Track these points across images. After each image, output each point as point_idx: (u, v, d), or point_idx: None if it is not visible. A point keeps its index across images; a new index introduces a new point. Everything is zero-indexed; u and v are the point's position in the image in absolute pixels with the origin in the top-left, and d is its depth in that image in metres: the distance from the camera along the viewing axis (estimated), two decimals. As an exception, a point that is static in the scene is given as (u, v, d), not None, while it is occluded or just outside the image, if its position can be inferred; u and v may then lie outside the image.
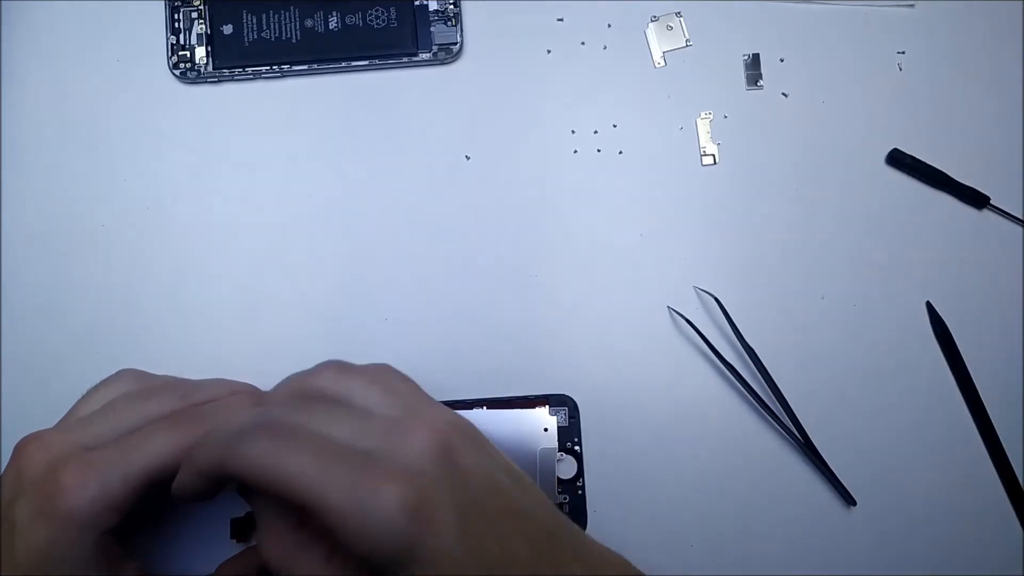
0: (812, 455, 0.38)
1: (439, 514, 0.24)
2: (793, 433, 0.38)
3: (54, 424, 0.31)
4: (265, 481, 0.24)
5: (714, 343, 0.38)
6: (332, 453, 0.24)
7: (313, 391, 0.29)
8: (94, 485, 0.28)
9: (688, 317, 0.39)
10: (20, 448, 0.29)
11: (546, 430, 0.38)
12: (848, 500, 0.38)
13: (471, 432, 0.27)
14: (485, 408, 0.38)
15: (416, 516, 0.23)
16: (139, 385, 0.32)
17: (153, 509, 0.36)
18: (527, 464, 0.37)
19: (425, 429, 0.25)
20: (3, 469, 0.30)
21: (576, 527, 0.28)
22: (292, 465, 0.24)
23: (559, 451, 0.38)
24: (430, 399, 0.29)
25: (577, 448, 0.38)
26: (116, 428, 0.30)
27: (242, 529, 0.37)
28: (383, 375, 0.30)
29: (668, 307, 0.39)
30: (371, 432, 0.25)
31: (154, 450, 0.29)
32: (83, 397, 0.32)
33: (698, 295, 0.40)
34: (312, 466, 0.24)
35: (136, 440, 0.30)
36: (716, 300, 0.39)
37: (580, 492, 0.38)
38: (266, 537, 0.27)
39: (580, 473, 0.38)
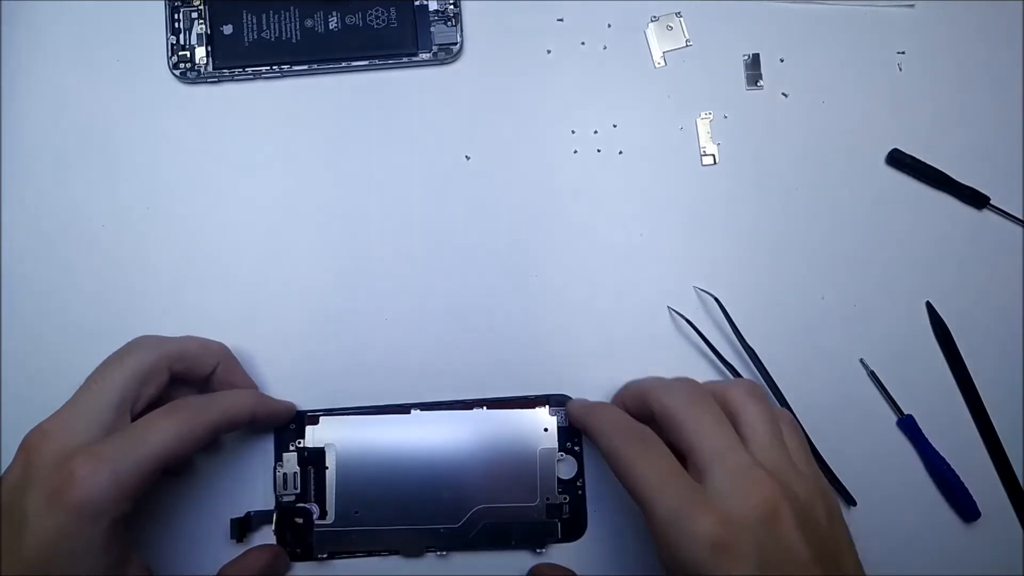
0: (812, 454, 0.38)
1: (739, 562, 0.26)
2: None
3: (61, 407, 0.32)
4: (620, 470, 0.30)
5: (714, 343, 0.38)
6: (676, 474, 0.29)
7: (708, 399, 0.32)
8: (105, 474, 0.28)
9: (688, 317, 0.39)
10: (28, 441, 0.30)
11: (546, 430, 0.38)
12: (848, 500, 0.38)
13: (815, 514, 0.29)
14: (485, 408, 0.38)
15: (717, 552, 0.26)
16: (149, 365, 0.33)
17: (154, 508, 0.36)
18: (527, 464, 0.38)
19: (769, 489, 0.28)
20: (7, 465, 0.30)
21: None
22: (643, 468, 0.29)
23: (560, 451, 0.38)
24: (809, 463, 0.31)
25: (577, 448, 0.38)
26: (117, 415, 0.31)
27: (242, 529, 0.37)
28: (784, 419, 0.32)
29: (668, 307, 0.39)
30: (727, 463, 0.29)
31: (161, 436, 0.30)
32: (101, 368, 0.32)
33: (698, 295, 0.40)
34: (655, 475, 0.29)
35: (143, 428, 0.30)
36: (716, 300, 0.39)
37: (580, 492, 0.38)
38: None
39: (580, 473, 0.38)
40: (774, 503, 0.27)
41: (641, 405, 0.33)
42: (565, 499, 0.38)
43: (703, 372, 0.39)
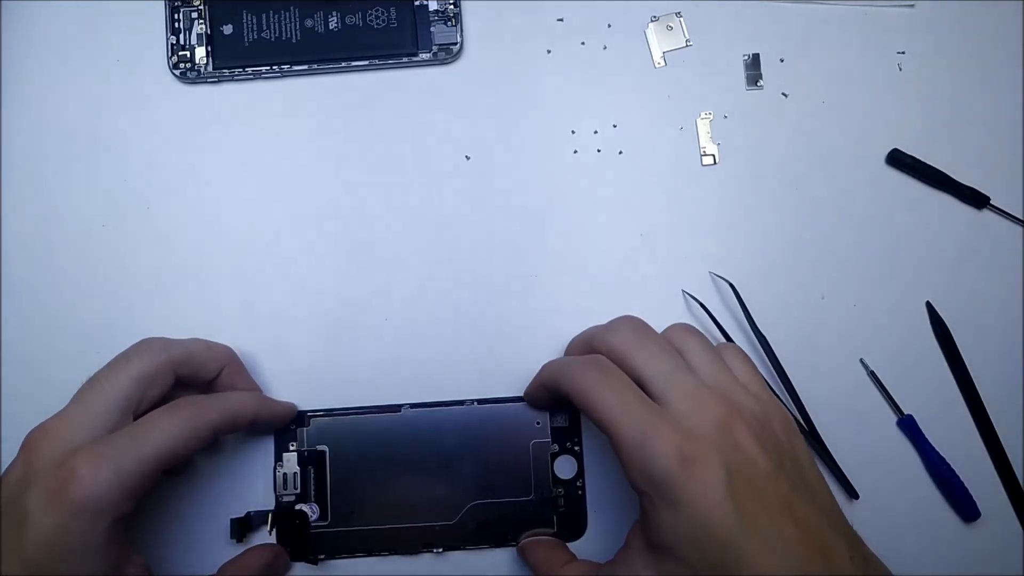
0: (818, 445, 0.38)
1: (708, 471, 0.27)
2: (800, 423, 0.38)
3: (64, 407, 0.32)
4: (582, 403, 0.31)
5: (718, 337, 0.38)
6: (637, 399, 0.30)
7: (650, 332, 0.33)
8: (107, 473, 0.29)
9: (695, 308, 0.39)
10: (30, 440, 0.30)
11: (538, 423, 0.38)
12: (851, 493, 0.38)
13: (771, 427, 0.30)
14: (476, 404, 0.38)
15: (685, 465, 0.27)
16: (154, 369, 0.33)
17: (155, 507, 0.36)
18: (520, 458, 0.38)
19: (721, 406, 0.29)
20: (7, 464, 0.31)
21: (860, 541, 0.30)
22: (604, 398, 0.30)
23: (560, 452, 0.38)
24: (759, 384, 0.32)
25: (577, 448, 0.38)
26: (120, 415, 0.31)
27: (242, 529, 0.37)
28: (728, 350, 0.34)
29: (683, 291, 0.39)
30: (680, 387, 0.30)
31: (163, 436, 0.30)
32: (106, 369, 0.33)
33: (713, 280, 0.40)
34: (617, 401, 0.30)
35: (145, 427, 0.30)
36: (731, 286, 0.39)
37: (580, 492, 0.38)
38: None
39: (580, 473, 0.38)
40: (728, 419, 0.29)
41: (589, 351, 0.34)
42: (560, 492, 0.38)
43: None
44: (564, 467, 0.38)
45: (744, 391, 0.31)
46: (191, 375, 0.35)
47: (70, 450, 0.29)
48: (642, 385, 0.31)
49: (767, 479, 0.28)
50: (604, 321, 0.39)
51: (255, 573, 0.35)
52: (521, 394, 0.38)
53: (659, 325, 0.40)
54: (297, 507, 0.37)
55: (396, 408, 0.38)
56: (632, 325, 0.34)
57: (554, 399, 0.35)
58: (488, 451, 0.38)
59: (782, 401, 0.38)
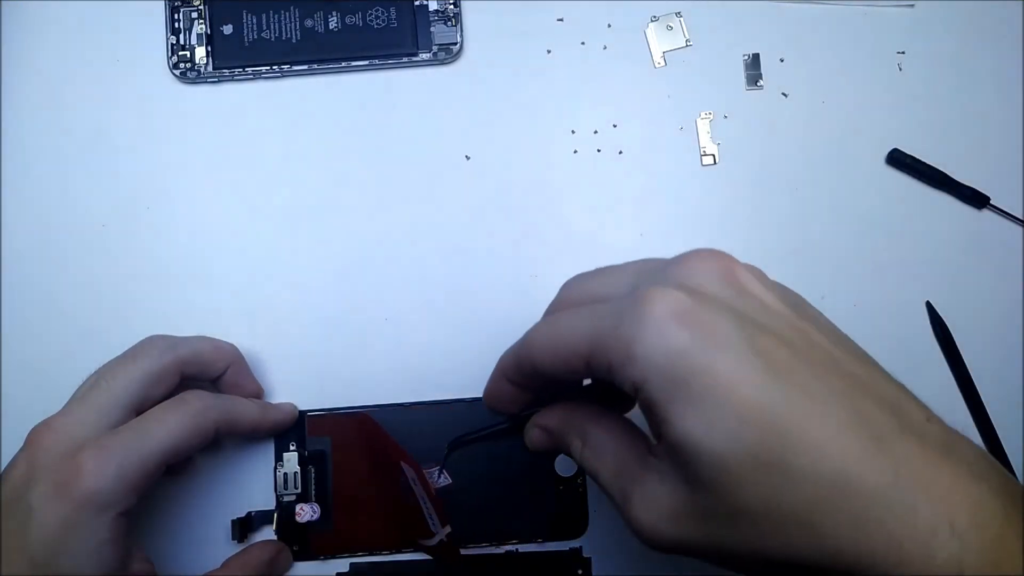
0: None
1: (720, 325, 0.20)
2: None
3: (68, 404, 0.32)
4: (550, 352, 0.24)
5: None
6: (600, 305, 0.23)
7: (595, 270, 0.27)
8: (112, 467, 0.29)
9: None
10: (34, 436, 0.30)
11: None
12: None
13: (790, 294, 0.24)
14: (477, 402, 0.38)
15: (687, 321, 0.20)
16: (161, 368, 0.33)
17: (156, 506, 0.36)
18: (520, 456, 0.38)
19: (707, 255, 0.23)
20: (8, 461, 0.31)
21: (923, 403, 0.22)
22: (566, 325, 0.23)
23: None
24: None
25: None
26: (123, 410, 0.31)
27: (243, 529, 0.37)
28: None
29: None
30: (646, 272, 0.24)
31: (167, 432, 0.31)
32: (111, 366, 0.33)
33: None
34: (581, 320, 0.23)
35: (150, 423, 0.31)
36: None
37: (581, 491, 0.38)
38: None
39: (581, 471, 0.38)
40: (726, 265, 0.23)
41: (528, 372, 0.26)
42: (562, 488, 0.38)
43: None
44: (564, 465, 0.38)
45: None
46: (196, 374, 0.35)
47: (75, 446, 0.29)
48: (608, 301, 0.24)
49: (793, 329, 0.22)
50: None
51: (258, 569, 0.35)
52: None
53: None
54: (298, 507, 0.37)
55: (398, 407, 0.38)
56: (570, 281, 0.27)
57: (519, 395, 0.27)
58: (490, 449, 0.38)
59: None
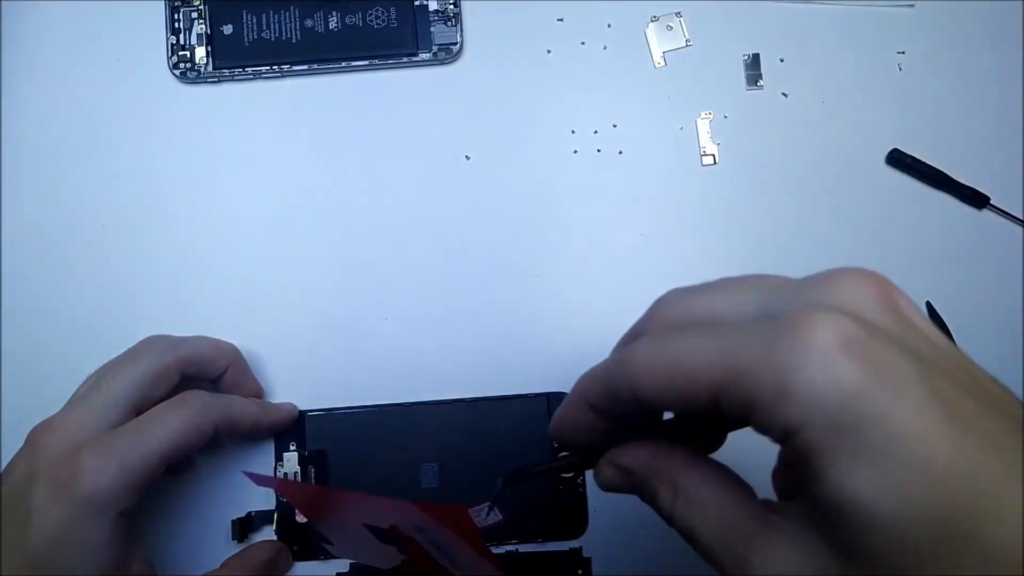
0: None
1: (891, 361, 0.17)
2: None
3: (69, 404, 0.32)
4: (665, 381, 0.19)
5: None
6: (733, 326, 0.19)
7: (706, 283, 0.22)
8: (112, 467, 0.29)
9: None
10: (34, 436, 0.30)
11: (540, 421, 0.38)
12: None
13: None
14: (477, 402, 0.38)
15: (860, 355, 0.17)
16: (161, 368, 0.33)
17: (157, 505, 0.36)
18: (522, 455, 0.38)
19: (862, 275, 0.20)
20: (9, 460, 0.31)
21: None
22: (688, 351, 0.19)
23: (557, 444, 0.38)
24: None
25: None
26: (123, 410, 0.31)
27: (243, 529, 0.37)
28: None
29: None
30: (776, 290, 0.20)
31: (167, 432, 0.31)
32: (112, 366, 0.32)
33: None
34: (712, 346, 0.19)
35: (150, 423, 0.31)
36: None
37: (581, 490, 0.38)
38: None
39: (581, 471, 0.38)
40: (886, 285, 0.20)
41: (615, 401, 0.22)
42: (561, 488, 0.38)
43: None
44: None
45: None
46: (197, 374, 0.35)
47: (75, 446, 0.29)
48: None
49: (961, 369, 0.18)
50: (602, 319, 0.40)
51: (258, 569, 0.35)
52: (521, 392, 0.38)
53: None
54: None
55: (405, 408, 0.38)
56: (677, 291, 0.23)
57: (597, 424, 0.23)
58: (490, 449, 0.38)
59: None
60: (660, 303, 0.23)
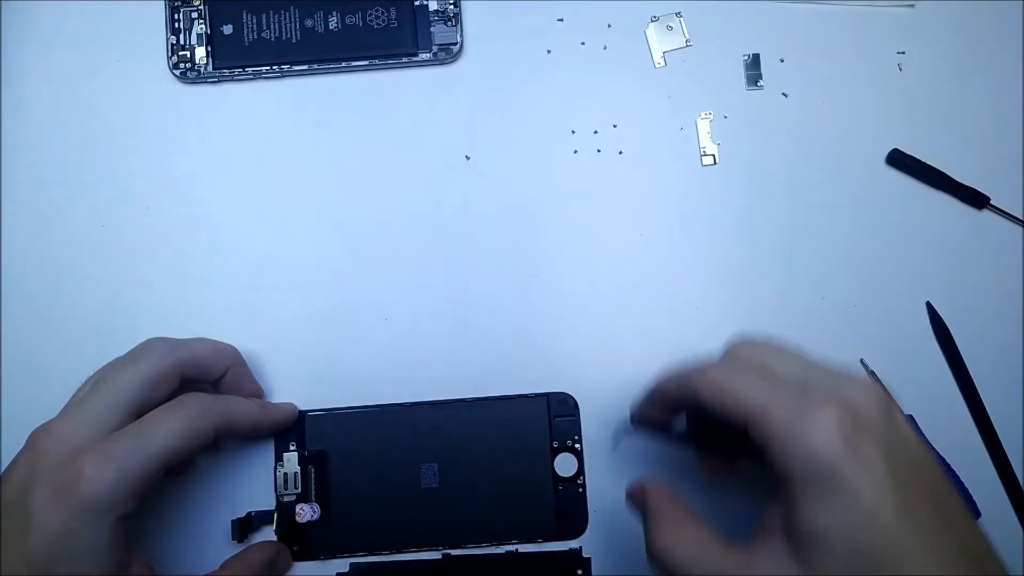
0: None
1: (870, 449, 0.25)
2: None
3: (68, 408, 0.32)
4: (719, 398, 0.28)
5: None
6: (777, 382, 0.28)
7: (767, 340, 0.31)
8: (112, 471, 0.29)
9: (696, 313, 0.39)
10: (33, 440, 0.30)
11: (539, 422, 0.38)
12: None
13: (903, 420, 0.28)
14: (477, 402, 0.38)
15: (847, 441, 0.25)
16: (161, 371, 0.33)
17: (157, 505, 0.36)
18: (522, 455, 0.38)
19: (868, 384, 0.27)
20: (8, 464, 0.31)
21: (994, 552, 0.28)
22: (741, 386, 0.28)
23: (556, 444, 0.38)
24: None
25: (577, 446, 0.38)
26: (123, 413, 0.31)
27: (243, 529, 0.37)
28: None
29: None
30: (816, 371, 0.28)
31: (167, 435, 0.31)
32: (111, 369, 0.32)
33: (713, 281, 0.39)
34: (758, 389, 0.27)
35: (149, 426, 0.30)
36: None
37: (581, 490, 0.38)
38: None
39: (581, 471, 0.38)
40: (884, 397, 0.26)
41: (684, 397, 0.31)
42: (561, 488, 0.38)
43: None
44: (564, 465, 0.38)
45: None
46: (197, 376, 0.35)
47: (75, 450, 0.29)
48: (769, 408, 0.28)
49: (923, 470, 0.26)
50: (602, 319, 0.40)
51: (257, 569, 0.35)
52: (521, 392, 0.38)
53: (661, 324, 0.40)
54: (298, 507, 0.37)
55: (405, 408, 0.38)
56: (749, 338, 0.31)
57: (665, 416, 0.34)
58: (490, 449, 0.38)
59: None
60: (736, 344, 0.31)
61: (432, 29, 0.41)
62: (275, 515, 0.37)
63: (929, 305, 0.40)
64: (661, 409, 0.34)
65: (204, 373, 0.35)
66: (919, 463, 0.26)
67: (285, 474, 0.37)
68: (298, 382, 0.39)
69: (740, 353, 0.30)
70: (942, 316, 0.39)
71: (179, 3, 0.41)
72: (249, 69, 0.40)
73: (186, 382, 0.34)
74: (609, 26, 0.42)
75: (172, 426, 0.31)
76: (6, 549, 0.28)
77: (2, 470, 0.34)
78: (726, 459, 0.34)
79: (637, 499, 0.32)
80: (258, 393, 0.38)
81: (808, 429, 0.25)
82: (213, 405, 0.33)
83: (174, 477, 0.37)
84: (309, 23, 0.40)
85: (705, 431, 0.32)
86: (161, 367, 0.32)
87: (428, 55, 0.41)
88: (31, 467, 0.29)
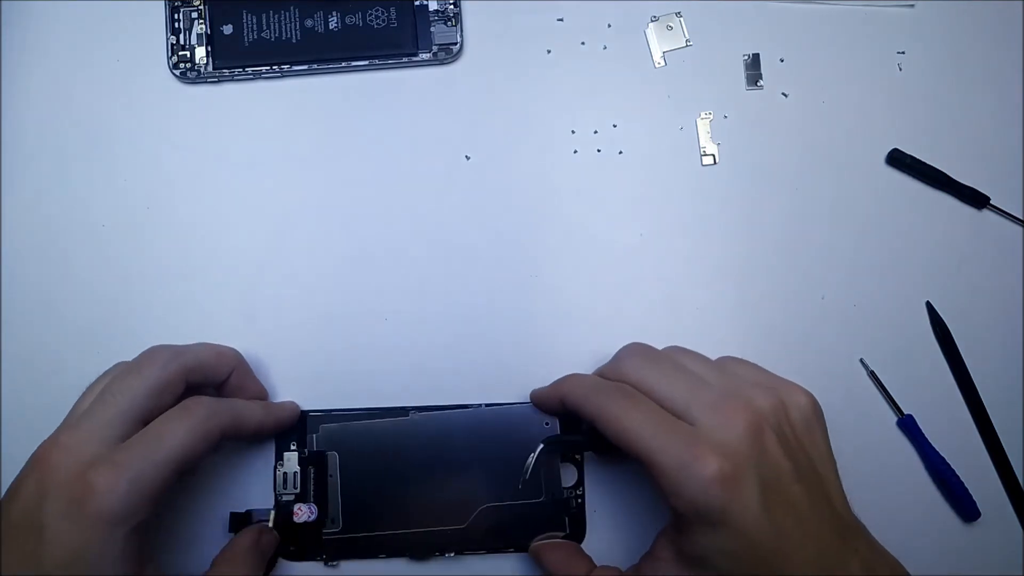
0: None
1: (746, 489, 0.28)
2: None
3: (66, 417, 0.32)
4: (611, 429, 0.31)
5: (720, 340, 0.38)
6: (667, 422, 0.30)
7: (659, 354, 0.35)
8: (124, 483, 0.28)
9: (696, 313, 0.39)
10: (41, 455, 0.30)
11: (547, 424, 0.38)
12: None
13: (790, 417, 0.31)
14: (484, 406, 0.38)
15: (727, 486, 0.28)
16: (166, 379, 0.32)
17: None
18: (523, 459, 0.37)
19: (747, 411, 0.30)
20: (9, 469, 0.30)
21: (862, 526, 0.32)
22: (636, 425, 0.30)
23: (561, 461, 0.38)
24: (759, 371, 0.34)
25: (578, 456, 0.38)
26: (130, 420, 0.31)
27: (240, 524, 0.37)
28: (726, 358, 0.35)
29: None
30: (701, 400, 0.31)
31: (177, 441, 0.30)
32: (117, 379, 0.32)
33: (714, 281, 0.39)
34: (649, 428, 0.30)
35: (158, 433, 0.30)
36: None
37: (580, 500, 0.38)
38: None
39: (580, 481, 0.38)
40: (756, 425, 0.29)
41: (574, 410, 0.35)
42: (574, 493, 0.37)
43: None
44: (564, 476, 0.38)
45: (758, 389, 0.31)
46: (201, 381, 0.34)
47: (85, 462, 0.29)
48: (662, 405, 0.31)
49: (790, 483, 0.29)
50: (601, 318, 0.40)
51: (245, 557, 0.35)
52: (518, 390, 0.38)
53: (662, 324, 0.40)
54: (295, 506, 0.37)
55: (405, 412, 0.38)
56: (640, 351, 0.35)
57: (564, 410, 0.35)
58: (497, 454, 0.37)
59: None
60: (625, 356, 0.35)
61: (432, 29, 0.41)
62: (272, 513, 0.37)
63: (929, 305, 0.40)
64: (558, 407, 0.36)
65: (208, 378, 0.35)
66: (787, 476, 0.29)
67: (285, 473, 0.37)
68: (299, 383, 0.39)
69: (625, 372, 0.33)
70: (942, 316, 0.39)
71: (179, 3, 0.41)
72: (249, 69, 0.40)
73: (190, 387, 0.34)
74: (609, 26, 0.42)
75: (180, 432, 0.31)
76: (20, 566, 0.28)
77: (2, 470, 0.34)
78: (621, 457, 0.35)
79: (543, 556, 0.36)
80: (261, 394, 0.38)
81: (691, 481, 0.28)
82: (219, 408, 0.33)
83: (178, 478, 0.37)
84: (309, 23, 0.40)
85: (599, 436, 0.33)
86: (166, 374, 0.32)
87: (428, 55, 0.41)
88: (41, 482, 0.29)
